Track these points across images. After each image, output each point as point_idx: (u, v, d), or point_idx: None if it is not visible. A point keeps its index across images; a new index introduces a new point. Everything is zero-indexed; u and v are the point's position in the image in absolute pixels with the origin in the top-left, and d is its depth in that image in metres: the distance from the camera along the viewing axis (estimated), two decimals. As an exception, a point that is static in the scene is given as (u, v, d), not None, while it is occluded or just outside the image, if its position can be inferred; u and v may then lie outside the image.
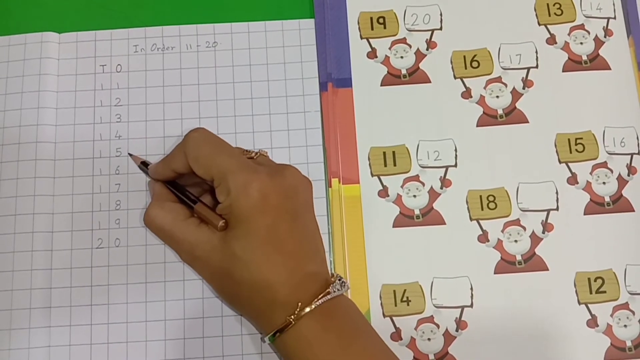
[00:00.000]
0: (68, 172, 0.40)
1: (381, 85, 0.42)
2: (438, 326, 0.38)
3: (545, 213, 0.39)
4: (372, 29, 0.43)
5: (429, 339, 0.38)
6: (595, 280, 0.38)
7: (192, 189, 0.37)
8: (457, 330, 0.38)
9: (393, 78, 0.42)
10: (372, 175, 0.40)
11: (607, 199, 0.40)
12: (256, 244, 0.33)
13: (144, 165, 0.39)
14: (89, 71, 0.42)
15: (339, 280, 0.35)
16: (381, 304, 0.38)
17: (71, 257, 0.38)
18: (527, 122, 0.41)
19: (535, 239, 0.39)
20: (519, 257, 0.39)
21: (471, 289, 0.38)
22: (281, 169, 0.35)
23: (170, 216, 0.36)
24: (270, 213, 0.33)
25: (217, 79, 0.42)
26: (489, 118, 0.41)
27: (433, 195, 0.40)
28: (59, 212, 0.39)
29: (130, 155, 0.40)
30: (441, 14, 0.43)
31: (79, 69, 0.42)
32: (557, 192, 0.40)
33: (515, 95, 0.41)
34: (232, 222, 0.34)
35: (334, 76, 0.42)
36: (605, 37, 0.42)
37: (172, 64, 0.42)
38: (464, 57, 0.42)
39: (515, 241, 0.39)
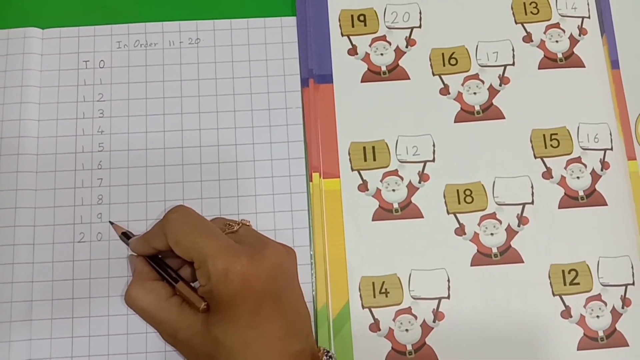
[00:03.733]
0: (50, 166, 0.40)
1: (361, 81, 0.42)
2: (416, 317, 0.38)
3: (521, 207, 0.40)
4: (353, 26, 0.43)
5: (407, 330, 0.38)
6: (569, 272, 0.39)
7: (175, 260, 0.36)
8: (434, 322, 0.38)
9: (373, 75, 0.43)
10: (352, 169, 0.41)
11: (581, 193, 0.41)
12: (239, 330, 0.32)
13: (125, 236, 0.38)
14: (72, 67, 0.42)
15: (327, 354, 0.34)
16: (360, 295, 0.39)
17: (53, 250, 0.39)
18: (504, 118, 0.42)
19: (510, 232, 0.40)
20: (494, 250, 0.40)
21: (448, 280, 0.39)
22: (262, 247, 0.34)
23: (152, 296, 0.35)
24: (252, 298, 0.32)
25: (200, 75, 0.42)
26: (466, 114, 0.42)
27: (411, 189, 0.41)
28: (40, 207, 0.39)
29: (112, 223, 0.39)
30: (420, 13, 0.44)
31: (62, 64, 0.42)
32: (532, 187, 0.41)
33: (492, 91, 0.42)
34: (214, 306, 0.33)
35: (315, 72, 0.42)
36: (579, 35, 0.43)
37: (154, 60, 0.42)
38: (443, 54, 0.43)
39: (492, 234, 0.40)
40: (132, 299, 0.35)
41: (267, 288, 0.33)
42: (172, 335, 0.34)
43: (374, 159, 0.41)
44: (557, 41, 0.43)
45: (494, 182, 0.41)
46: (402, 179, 0.41)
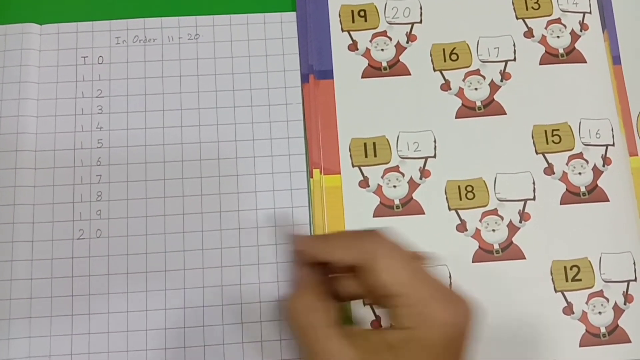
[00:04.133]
0: (49, 163, 0.40)
1: (362, 77, 0.42)
2: (417, 314, 0.38)
3: (523, 203, 0.40)
4: (353, 21, 0.43)
5: (408, 327, 0.38)
6: (571, 269, 0.39)
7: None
8: (436, 318, 0.38)
9: (374, 70, 0.42)
10: (353, 166, 0.41)
11: (582, 189, 0.41)
12: None
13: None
14: (71, 63, 0.42)
15: None
16: (361, 292, 0.39)
17: (52, 248, 0.38)
18: (505, 114, 0.42)
19: (512, 228, 0.40)
20: (496, 246, 0.39)
21: (450, 277, 0.39)
22: (463, 299, 0.30)
23: (315, 317, 0.30)
24: (450, 352, 0.28)
25: (199, 71, 0.42)
26: (467, 110, 0.42)
27: (412, 185, 0.40)
28: (39, 203, 0.39)
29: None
30: (421, 8, 0.44)
31: (61, 60, 0.42)
32: (534, 183, 0.41)
33: (493, 87, 0.42)
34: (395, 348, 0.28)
35: (316, 68, 0.42)
36: (581, 31, 0.43)
37: (153, 56, 0.42)
38: (444, 50, 0.43)
39: (493, 230, 0.40)
40: (292, 313, 0.31)
41: (463, 346, 0.29)
42: None
43: (375, 155, 0.41)
44: (558, 37, 0.43)
45: (495, 178, 0.41)
46: (403, 175, 0.41)
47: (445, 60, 0.43)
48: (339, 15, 0.43)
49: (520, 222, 0.40)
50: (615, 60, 0.42)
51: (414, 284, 0.29)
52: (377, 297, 0.31)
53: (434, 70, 0.42)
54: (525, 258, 0.39)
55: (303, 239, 0.34)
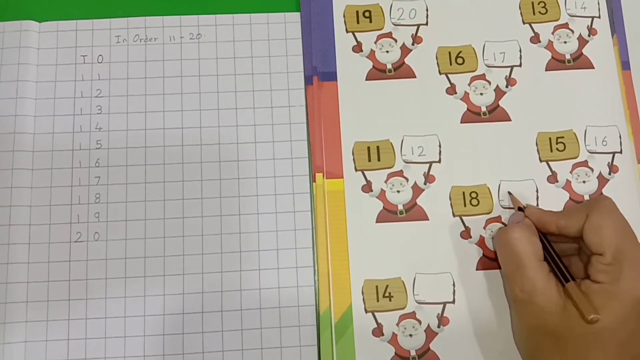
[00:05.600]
0: (47, 164, 0.39)
1: (366, 79, 0.42)
2: (420, 322, 0.38)
3: (527, 210, 0.40)
4: (358, 22, 0.42)
5: (410, 335, 0.38)
6: (575, 277, 0.39)
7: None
8: (439, 327, 0.38)
9: (378, 72, 0.42)
10: (356, 170, 0.40)
11: (586, 197, 0.40)
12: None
13: (519, 210, 0.38)
14: (70, 61, 0.41)
15: None
16: (363, 299, 0.38)
17: (49, 250, 0.38)
18: (510, 120, 0.41)
19: (517, 236, 0.39)
20: (501, 254, 0.39)
21: (453, 285, 0.38)
22: None
23: (532, 249, 0.34)
24: None
25: (201, 71, 0.41)
26: (472, 115, 0.41)
27: (417, 190, 0.40)
28: (36, 205, 0.38)
29: (510, 194, 0.39)
30: (427, 9, 0.43)
31: (60, 59, 0.41)
32: (537, 190, 0.40)
33: (499, 93, 0.42)
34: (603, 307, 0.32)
35: (320, 70, 0.41)
36: (589, 36, 0.43)
37: (154, 56, 0.41)
38: (449, 53, 0.42)
39: (498, 238, 0.39)
40: (513, 240, 0.34)
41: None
42: (529, 293, 0.33)
43: (379, 159, 0.40)
44: (565, 42, 0.42)
45: (499, 185, 0.40)
46: (407, 179, 0.40)
47: (451, 64, 0.42)
48: (344, 16, 0.43)
49: (525, 229, 0.39)
50: (625, 65, 0.42)
51: (621, 247, 0.33)
52: (584, 255, 0.36)
53: (440, 73, 0.42)
54: (529, 266, 0.39)
55: (535, 212, 0.37)
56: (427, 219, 0.39)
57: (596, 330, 0.32)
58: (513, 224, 0.36)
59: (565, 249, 0.37)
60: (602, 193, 0.40)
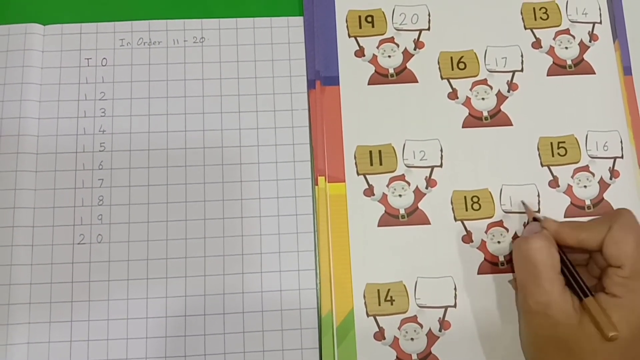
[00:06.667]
0: (50, 166, 0.39)
1: (368, 84, 0.42)
2: (421, 326, 0.38)
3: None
4: (360, 27, 0.43)
5: (412, 339, 0.38)
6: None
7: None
8: (440, 331, 0.38)
9: (380, 77, 0.42)
10: (358, 174, 0.40)
11: (587, 202, 0.40)
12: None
13: (535, 221, 0.37)
14: (74, 64, 0.41)
15: None
16: (365, 303, 0.38)
17: (52, 252, 0.38)
18: (511, 124, 0.41)
19: (518, 240, 0.39)
20: (501, 258, 0.39)
21: (455, 289, 0.38)
22: None
23: (550, 260, 0.34)
24: None
25: (204, 75, 0.41)
26: (474, 119, 0.41)
27: (418, 195, 0.40)
28: (40, 207, 0.38)
29: (523, 203, 0.39)
30: (429, 15, 0.43)
31: (64, 61, 0.41)
32: (538, 195, 0.40)
33: (500, 98, 0.42)
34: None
35: (322, 74, 0.42)
36: (590, 41, 0.43)
37: (158, 59, 0.41)
38: (451, 58, 0.42)
39: (499, 242, 0.39)
40: (535, 249, 0.34)
41: None
42: (543, 305, 0.33)
43: (381, 163, 0.40)
44: (566, 47, 0.43)
45: (501, 190, 0.40)
46: (408, 184, 0.40)
47: (452, 69, 0.42)
48: (346, 21, 0.43)
49: (526, 234, 0.40)
50: (626, 70, 0.42)
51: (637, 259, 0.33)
52: (601, 267, 0.35)
53: (442, 78, 0.42)
54: (530, 270, 0.39)
55: (553, 224, 0.36)
56: (429, 223, 0.39)
57: (612, 345, 0.32)
58: (533, 234, 0.35)
59: (573, 259, 0.36)
60: (603, 198, 0.40)
